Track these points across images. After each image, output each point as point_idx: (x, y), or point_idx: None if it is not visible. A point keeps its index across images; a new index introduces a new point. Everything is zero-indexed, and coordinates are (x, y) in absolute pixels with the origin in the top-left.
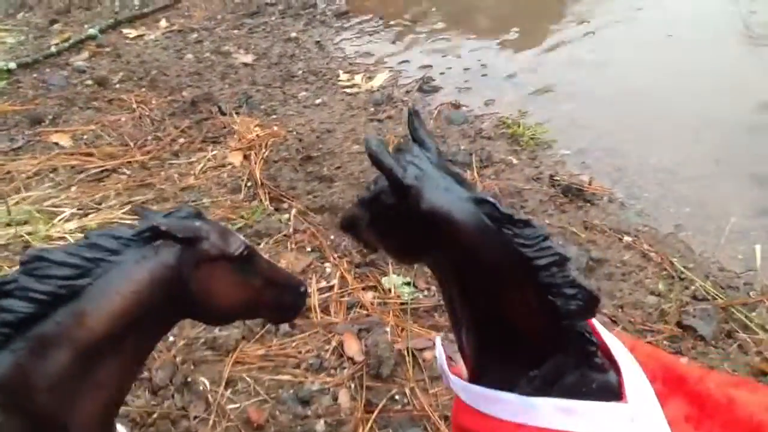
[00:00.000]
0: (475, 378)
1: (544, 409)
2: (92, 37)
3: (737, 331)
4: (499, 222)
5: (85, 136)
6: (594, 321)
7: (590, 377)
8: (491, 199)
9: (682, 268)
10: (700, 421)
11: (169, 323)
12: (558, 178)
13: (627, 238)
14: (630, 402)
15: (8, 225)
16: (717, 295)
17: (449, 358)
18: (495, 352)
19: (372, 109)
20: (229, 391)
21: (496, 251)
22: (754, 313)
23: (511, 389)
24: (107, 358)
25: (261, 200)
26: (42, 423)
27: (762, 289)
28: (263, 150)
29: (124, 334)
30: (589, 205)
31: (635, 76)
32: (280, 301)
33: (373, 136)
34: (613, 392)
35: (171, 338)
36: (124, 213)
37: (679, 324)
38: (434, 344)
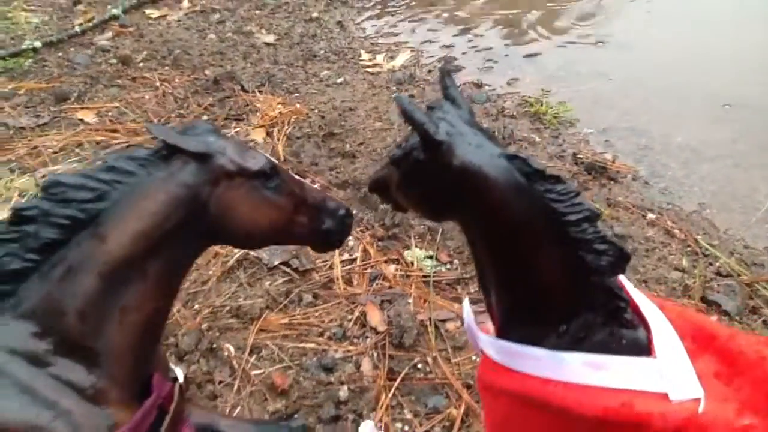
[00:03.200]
0: (503, 336)
1: (573, 363)
2: (115, 17)
3: (762, 307)
4: (531, 178)
5: (109, 113)
6: (623, 278)
7: (619, 334)
8: (522, 155)
9: (707, 245)
10: (730, 377)
11: (195, 248)
12: (581, 156)
13: (650, 215)
14: (659, 357)
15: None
16: (741, 271)
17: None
18: (523, 309)
19: (394, 88)
20: (253, 357)
21: (528, 207)
22: None
23: (539, 345)
24: (132, 282)
25: None
26: (73, 348)
27: None
28: (286, 127)
29: (145, 257)
30: (612, 182)
31: (658, 56)
32: (317, 226)
33: (404, 95)
34: (643, 348)
35: (196, 306)
36: None
37: (703, 299)
38: (457, 315)
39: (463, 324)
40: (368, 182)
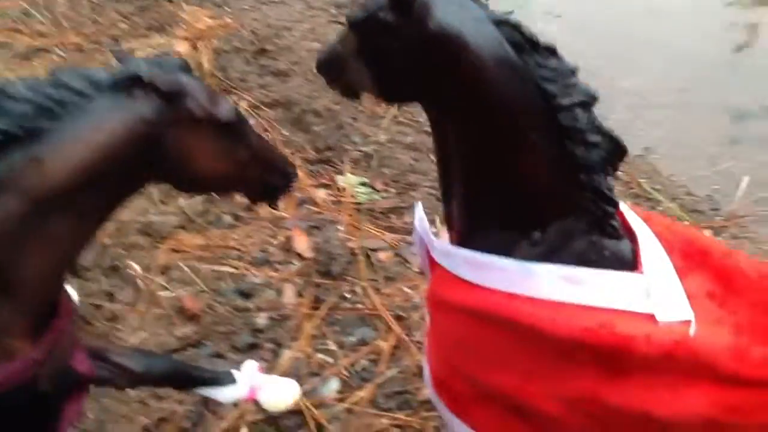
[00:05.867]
0: (464, 244)
1: (546, 277)
2: None
3: None
4: (521, 49)
5: (11, 12)
6: None
7: (602, 244)
8: (513, 21)
9: (650, 189)
10: (724, 298)
11: (137, 184)
12: None
13: None
14: (646, 273)
15: None
16: (683, 217)
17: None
18: (492, 211)
19: (334, 11)
20: (162, 278)
21: (514, 84)
22: (719, 238)
23: (507, 254)
24: (62, 212)
25: None
26: None
27: (728, 215)
28: (213, 41)
29: (83, 189)
30: None
31: (614, 4)
32: (264, 180)
33: None
34: (627, 262)
35: None
36: None
37: None
38: (390, 245)
39: (397, 253)
40: (317, 59)
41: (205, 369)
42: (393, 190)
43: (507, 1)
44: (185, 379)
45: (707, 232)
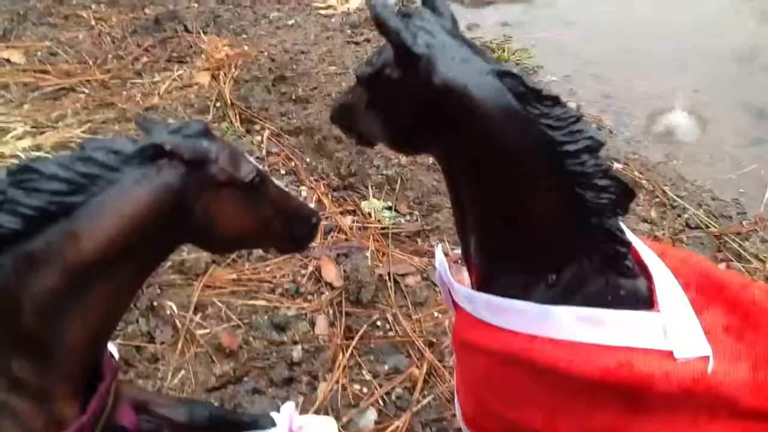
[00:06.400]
0: (483, 286)
1: (564, 318)
2: None
3: (731, 260)
4: (525, 99)
5: (39, 53)
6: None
7: (618, 283)
8: (515, 71)
9: (675, 196)
10: (741, 332)
11: (168, 249)
12: None
13: (617, 165)
14: (662, 310)
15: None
16: (710, 223)
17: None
18: (508, 255)
19: (349, 31)
20: (198, 316)
21: (520, 134)
22: (747, 243)
23: (525, 297)
24: (98, 281)
25: (231, 121)
26: (26, 344)
27: (755, 219)
28: (233, 70)
29: (117, 258)
30: None
31: (622, 4)
32: (290, 231)
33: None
34: (643, 300)
35: None
36: (83, 132)
37: None
38: (418, 269)
39: (425, 277)
40: (330, 110)
41: (245, 414)
42: (417, 213)
43: (520, 10)
44: (226, 425)
45: (736, 238)
